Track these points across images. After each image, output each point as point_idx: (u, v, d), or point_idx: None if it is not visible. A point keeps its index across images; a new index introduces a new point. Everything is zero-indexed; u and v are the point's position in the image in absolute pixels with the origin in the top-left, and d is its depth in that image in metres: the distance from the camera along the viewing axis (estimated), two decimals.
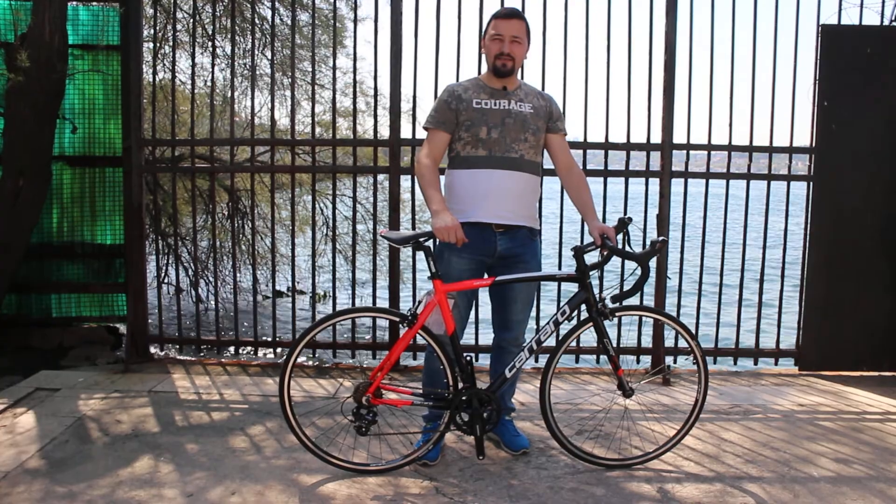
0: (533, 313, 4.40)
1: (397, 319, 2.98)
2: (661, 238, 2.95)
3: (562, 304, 3.10)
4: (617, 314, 3.03)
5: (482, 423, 2.94)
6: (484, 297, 3.41)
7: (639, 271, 2.87)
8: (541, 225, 3.51)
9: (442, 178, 3.17)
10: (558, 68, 4.59)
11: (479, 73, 4.40)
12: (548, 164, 3.31)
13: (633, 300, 3.02)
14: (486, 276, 3.10)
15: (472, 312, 4.33)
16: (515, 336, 3.20)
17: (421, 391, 3.07)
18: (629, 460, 3.11)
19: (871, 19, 4.51)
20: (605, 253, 2.98)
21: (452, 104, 3.07)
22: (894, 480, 3.01)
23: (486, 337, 3.66)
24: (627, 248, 3.01)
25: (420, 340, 3.19)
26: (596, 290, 3.00)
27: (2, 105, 4.30)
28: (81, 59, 4.51)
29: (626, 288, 2.93)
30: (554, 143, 3.19)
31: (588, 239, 3.03)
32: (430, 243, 2.92)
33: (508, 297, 3.15)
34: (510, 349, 3.18)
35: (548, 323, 3.01)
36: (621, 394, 3.06)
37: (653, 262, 3.27)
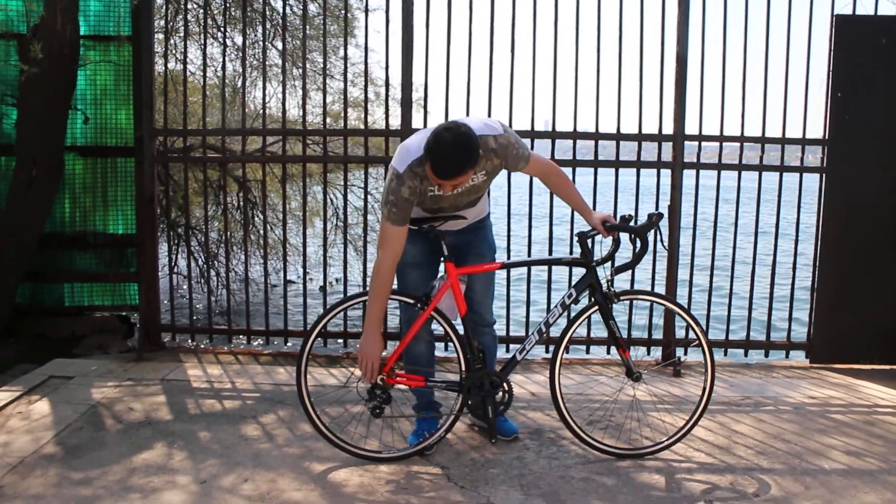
0: (543, 299, 4.40)
1: (411, 302, 3.01)
2: (657, 211, 3.00)
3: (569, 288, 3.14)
4: (623, 298, 3.04)
5: (495, 405, 2.98)
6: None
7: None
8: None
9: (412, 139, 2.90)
10: (570, 59, 4.58)
11: (490, 84, 4.45)
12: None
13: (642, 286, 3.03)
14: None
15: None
16: (482, 315, 3.20)
17: (434, 374, 3.10)
18: (640, 450, 3.11)
19: (887, 9, 4.45)
20: (614, 238, 2.99)
21: (413, 199, 2.84)
22: None
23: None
24: (631, 225, 2.97)
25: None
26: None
27: (15, 96, 4.33)
28: (93, 50, 4.51)
29: (626, 261, 2.99)
30: (527, 171, 3.05)
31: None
32: (443, 227, 2.96)
33: (467, 283, 3.12)
34: (482, 330, 3.19)
35: (555, 306, 3.05)
36: (630, 380, 3.08)
37: (663, 249, 3.29)
